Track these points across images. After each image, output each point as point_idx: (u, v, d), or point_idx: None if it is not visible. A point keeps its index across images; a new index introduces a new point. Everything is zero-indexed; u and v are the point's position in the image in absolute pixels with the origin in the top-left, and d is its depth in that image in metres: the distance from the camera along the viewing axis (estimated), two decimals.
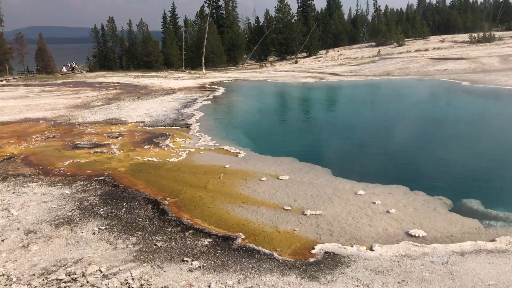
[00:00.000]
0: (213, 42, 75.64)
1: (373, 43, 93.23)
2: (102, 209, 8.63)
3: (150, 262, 6.48)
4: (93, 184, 10.21)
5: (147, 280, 6.00)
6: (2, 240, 7.50)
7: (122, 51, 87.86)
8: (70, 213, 8.48)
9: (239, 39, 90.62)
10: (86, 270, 6.30)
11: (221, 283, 5.85)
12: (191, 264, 6.40)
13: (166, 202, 8.90)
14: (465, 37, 77.87)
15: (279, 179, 10.20)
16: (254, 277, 5.98)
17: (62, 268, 6.43)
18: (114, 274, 6.19)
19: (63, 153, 13.21)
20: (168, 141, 14.38)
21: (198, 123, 17.38)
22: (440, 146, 13.79)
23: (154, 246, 7.02)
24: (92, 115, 20.62)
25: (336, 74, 41.94)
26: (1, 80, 48.79)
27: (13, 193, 9.76)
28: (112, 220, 8.12)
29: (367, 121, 18.81)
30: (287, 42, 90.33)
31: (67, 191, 9.71)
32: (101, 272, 6.25)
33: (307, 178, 10.25)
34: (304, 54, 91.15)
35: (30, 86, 38.48)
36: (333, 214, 8.05)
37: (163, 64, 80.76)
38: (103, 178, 10.64)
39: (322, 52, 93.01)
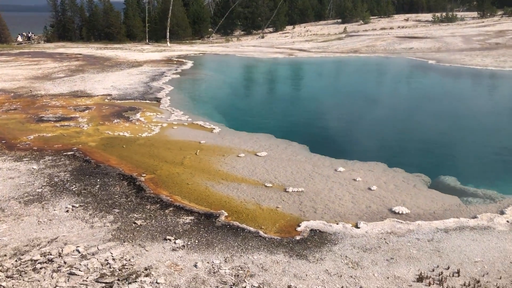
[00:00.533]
0: (178, 14, 73.66)
1: (339, 20, 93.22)
2: (74, 186, 8.21)
3: (130, 241, 6.20)
4: (62, 159, 9.72)
5: (129, 260, 5.74)
6: None
7: (82, 22, 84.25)
8: (40, 190, 8.02)
9: (204, 12, 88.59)
10: (62, 250, 5.97)
11: (207, 262, 5.66)
12: (174, 243, 6.17)
13: (143, 179, 8.57)
14: (428, 16, 78.94)
15: (257, 155, 10.01)
16: (241, 255, 5.82)
17: (36, 248, 6.06)
18: (93, 254, 5.89)
19: (27, 126, 12.53)
20: (138, 115, 13.88)
21: (169, 97, 16.88)
22: (414, 124, 13.92)
23: (133, 225, 6.73)
24: (55, 87, 19.68)
25: (304, 50, 41.77)
26: None
27: None
28: (86, 197, 7.74)
29: (341, 98, 18.75)
30: (253, 17, 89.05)
31: (35, 167, 9.20)
32: (79, 252, 5.93)
33: (286, 154, 10.11)
34: (271, 30, 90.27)
35: None
36: (315, 191, 7.95)
37: (125, 36, 78.08)
38: (72, 153, 10.15)
39: (289, 28, 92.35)
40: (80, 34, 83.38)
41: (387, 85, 22.44)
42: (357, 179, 8.50)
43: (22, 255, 5.90)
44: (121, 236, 6.38)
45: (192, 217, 6.98)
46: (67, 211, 7.22)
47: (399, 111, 15.67)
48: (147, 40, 71.62)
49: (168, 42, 63.39)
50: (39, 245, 6.16)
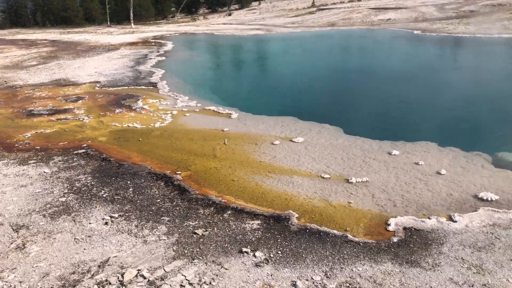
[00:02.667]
0: None
1: None
2: (103, 191, 7.02)
3: (200, 258, 5.16)
4: (75, 159, 8.45)
5: (210, 284, 4.70)
6: None
7: (35, 6, 79.55)
8: (63, 199, 6.80)
9: None
10: (123, 277, 4.86)
11: (307, 280, 4.70)
12: (254, 256, 5.17)
13: (179, 177, 7.45)
14: None
15: (294, 142, 9.02)
16: (341, 268, 4.88)
17: (87, 276, 4.93)
18: (163, 279, 4.82)
19: (18, 123, 11.08)
20: (140, 103, 12.59)
21: (164, 82, 15.56)
22: (436, 96, 13.14)
23: (194, 236, 5.66)
24: (33, 76, 17.96)
25: (279, 26, 40.52)
26: None
27: None
28: (122, 204, 6.58)
29: (353, 73, 17.62)
30: None
31: (47, 170, 7.91)
32: (144, 277, 4.84)
33: (324, 139, 9.16)
34: (236, 7, 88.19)
35: None
36: (381, 180, 7.06)
37: (83, 20, 74.29)
38: (84, 151, 8.88)
39: (255, 3, 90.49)
40: (35, 19, 78.82)
41: (394, 57, 21.41)
42: (420, 163, 7.66)
43: (74, 287, 4.74)
44: (185, 251, 5.32)
45: (259, 221, 5.96)
46: (106, 223, 6.06)
47: (422, 85, 14.79)
48: (108, 23, 68.44)
49: (132, 24, 60.69)
50: (89, 271, 5.03)
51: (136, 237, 5.70)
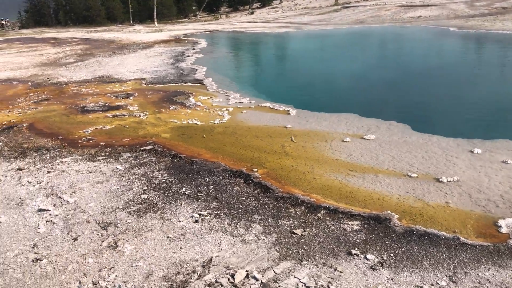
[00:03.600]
0: None
1: None
2: (183, 188, 6.81)
3: (309, 259, 4.90)
4: (145, 155, 8.27)
5: (328, 287, 4.41)
6: (75, 239, 5.58)
7: (57, 6, 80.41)
8: (145, 196, 6.60)
9: None
10: (233, 278, 4.62)
11: (432, 285, 4.40)
12: (366, 258, 4.89)
13: (257, 174, 7.21)
14: None
15: (365, 139, 8.72)
16: (465, 272, 4.58)
17: (194, 277, 4.71)
18: (276, 281, 4.57)
19: (75, 119, 10.98)
20: (192, 99, 12.41)
21: (210, 79, 15.37)
22: (503, 92, 12.65)
23: (293, 236, 5.41)
24: (74, 73, 17.95)
25: (306, 24, 40.17)
26: None
27: (48, 172, 7.66)
28: (207, 201, 6.36)
29: (401, 69, 17.14)
30: None
31: (119, 166, 7.74)
32: (256, 279, 4.61)
33: (396, 136, 8.84)
34: (258, 5, 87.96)
35: None
36: (473, 180, 6.72)
37: (105, 19, 74.83)
38: (151, 147, 8.70)
39: (276, 2, 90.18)
40: (57, 19, 79.63)
41: (443, 54, 20.86)
42: (508, 162, 7.28)
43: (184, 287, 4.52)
44: (290, 252, 5.06)
45: (358, 222, 5.68)
46: (196, 221, 5.84)
47: (481, 81, 14.31)
48: (131, 22, 68.75)
49: (155, 23, 60.83)
50: (195, 271, 4.80)
51: (233, 236, 5.47)
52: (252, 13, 77.11)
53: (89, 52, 24.66)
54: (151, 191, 6.78)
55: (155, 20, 62.83)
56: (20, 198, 6.80)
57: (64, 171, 7.67)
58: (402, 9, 44.11)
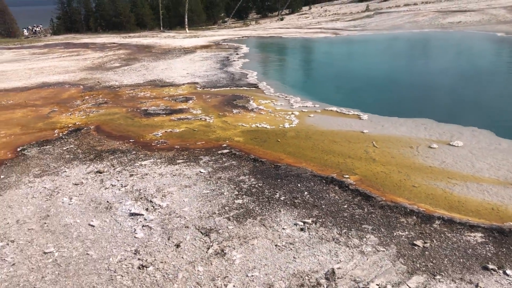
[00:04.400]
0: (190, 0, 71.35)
1: None
2: (277, 194, 6.51)
3: (442, 274, 4.53)
4: (224, 159, 8.01)
5: None
6: (177, 245, 5.32)
7: (88, 12, 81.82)
8: (239, 201, 6.32)
9: None
10: None
11: None
12: (506, 274, 4.53)
13: (351, 181, 6.86)
14: None
15: (453, 145, 8.28)
16: None
17: None
18: None
19: (140, 122, 10.83)
20: (253, 103, 12.16)
21: (264, 83, 15.11)
22: None
23: (415, 248, 5.03)
24: (123, 77, 17.94)
25: (341, 29, 39.65)
26: None
27: (131, 175, 7.46)
28: (307, 209, 6.03)
29: (463, 74, 16.52)
30: None
31: (202, 170, 7.49)
32: None
33: (484, 143, 8.39)
34: (286, 11, 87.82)
35: (8, 50, 34.61)
36: None
37: (134, 25, 75.70)
38: (228, 151, 8.45)
39: (305, 8, 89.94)
40: (87, 25, 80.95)
41: (501, 58, 20.13)
42: None
43: None
44: (417, 265, 4.69)
45: (480, 234, 5.27)
46: (302, 229, 5.52)
47: None
48: (161, 28, 69.30)
49: (187, 29, 61.13)
50: (319, 283, 4.49)
51: (348, 246, 5.12)
52: (281, 19, 77.02)
53: (132, 57, 24.76)
54: (244, 196, 6.50)
55: (186, 26, 63.21)
56: (107, 202, 6.60)
57: (147, 174, 7.46)
58: (440, 14, 43.21)
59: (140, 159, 8.20)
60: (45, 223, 6.12)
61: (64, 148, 9.09)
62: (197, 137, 9.33)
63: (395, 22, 42.36)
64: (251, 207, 6.15)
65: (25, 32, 74.26)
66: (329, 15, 72.91)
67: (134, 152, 8.61)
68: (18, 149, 9.20)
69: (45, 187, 7.29)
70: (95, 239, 5.63)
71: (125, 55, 25.66)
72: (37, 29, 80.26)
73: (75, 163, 8.24)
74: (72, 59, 25.62)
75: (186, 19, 65.25)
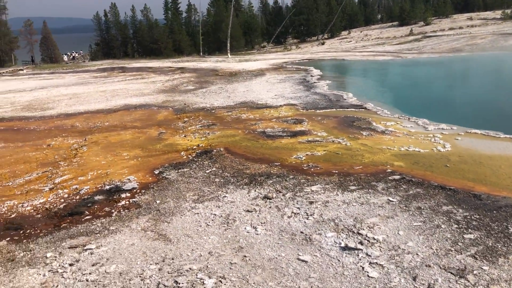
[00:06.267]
0: (231, 25, 71.90)
1: (395, 23, 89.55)
2: (511, 229, 5.50)
3: None
4: (403, 186, 7.19)
5: None
6: None
7: (125, 39, 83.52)
8: (471, 236, 5.50)
9: (255, 22, 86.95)
10: None
11: None
12: None
13: None
14: (491, 14, 74.99)
15: None
16: None
17: None
18: None
19: (267, 144, 10.13)
20: (378, 125, 11.40)
21: (371, 104, 14.33)
22: None
23: None
24: (208, 100, 17.46)
25: (396, 52, 38.66)
26: (22, 69, 44.98)
27: (310, 202, 6.67)
28: None
29: None
30: (308, 24, 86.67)
31: (391, 198, 6.61)
32: None
33: None
34: (326, 36, 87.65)
35: (61, 74, 34.99)
36: None
37: (172, 51, 76.64)
38: (400, 177, 7.60)
39: (344, 33, 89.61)
40: (126, 51, 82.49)
41: None
42: None
43: None
44: None
45: None
46: None
47: None
48: (201, 53, 69.80)
49: (229, 54, 61.29)
50: None
51: None
52: (323, 43, 76.76)
53: (203, 80, 24.40)
54: (470, 230, 5.56)
55: (229, 51, 63.43)
56: (301, 233, 5.78)
57: (327, 202, 6.62)
58: (501, 37, 41.98)
59: (305, 184, 7.39)
60: (244, 256, 5.32)
61: (207, 171, 8.38)
62: (347, 161, 8.51)
63: (452, 45, 41.22)
64: (489, 243, 5.19)
65: (65, 57, 76.22)
66: (372, 39, 72.21)
67: (292, 176, 7.82)
68: (156, 172, 8.52)
69: (214, 214, 6.54)
70: (320, 277, 4.78)
71: (194, 78, 25.36)
72: (76, 54, 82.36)
73: (231, 188, 7.50)
74: (139, 82, 25.45)
75: (229, 44, 65.52)
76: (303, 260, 5.18)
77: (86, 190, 7.79)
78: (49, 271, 5.31)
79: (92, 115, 15.50)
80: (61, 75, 34.32)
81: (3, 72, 39.92)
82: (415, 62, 28.71)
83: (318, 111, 13.64)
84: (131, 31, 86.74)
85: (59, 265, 5.37)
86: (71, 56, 78.51)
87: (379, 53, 39.87)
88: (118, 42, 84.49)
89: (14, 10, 66.68)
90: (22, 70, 43.73)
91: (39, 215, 6.95)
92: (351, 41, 74.42)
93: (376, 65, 29.10)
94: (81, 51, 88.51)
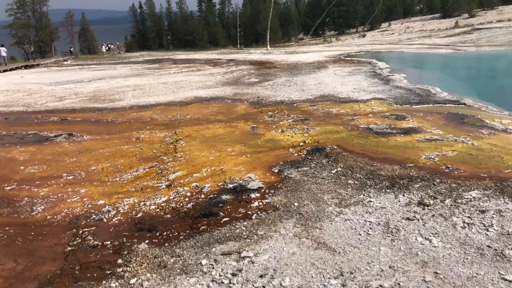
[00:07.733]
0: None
1: (436, 15, 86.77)
2: None
3: None
4: None
5: None
6: None
7: (160, 30, 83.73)
8: None
9: (291, 14, 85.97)
10: None
11: None
12: None
13: None
14: None
15: None
16: None
17: None
18: None
19: (383, 142, 9.41)
20: (493, 123, 10.57)
21: (469, 100, 13.37)
22: None
23: None
24: (279, 92, 16.83)
25: (448, 45, 37.18)
26: (66, 60, 45.38)
27: (481, 211, 5.83)
28: None
29: None
30: (347, 15, 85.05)
31: None
32: None
33: None
34: (365, 28, 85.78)
35: (111, 65, 34.86)
36: None
37: (207, 43, 76.40)
38: None
39: (384, 25, 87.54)
40: (161, 43, 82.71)
41: None
42: None
43: None
44: None
45: None
46: None
47: None
48: (238, 46, 69.25)
49: (268, 46, 60.50)
50: None
51: None
52: (364, 35, 75.13)
53: (264, 72, 23.75)
54: None
55: (268, 43, 62.67)
56: (489, 247, 5.04)
57: (501, 210, 5.84)
58: None
59: (459, 189, 6.62)
60: (435, 273, 4.62)
61: (333, 172, 7.68)
62: (488, 164, 7.72)
63: (510, 38, 39.31)
64: None
65: (103, 49, 77.25)
66: (415, 32, 70.20)
67: (439, 180, 7.04)
68: (274, 170, 7.90)
69: (370, 221, 5.84)
70: None
71: (254, 71, 24.75)
72: (111, 46, 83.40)
73: (372, 191, 6.79)
74: (198, 75, 25.00)
75: (268, 36, 64.72)
76: (510, 281, 4.44)
77: (209, 189, 7.22)
78: (212, 281, 4.72)
79: (166, 107, 15.05)
80: (112, 66, 34.25)
81: (48, 63, 40.24)
82: (483, 55, 27.35)
83: (414, 106, 12.79)
84: (166, 22, 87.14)
85: (221, 275, 4.79)
86: (107, 47, 79.55)
87: (431, 46, 38.42)
88: (153, 34, 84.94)
89: (51, 2, 67.60)
90: (66, 61, 44.07)
91: (168, 215, 6.42)
92: (393, 33, 72.56)
93: (441, 58, 27.86)
94: (118, 43, 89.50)
